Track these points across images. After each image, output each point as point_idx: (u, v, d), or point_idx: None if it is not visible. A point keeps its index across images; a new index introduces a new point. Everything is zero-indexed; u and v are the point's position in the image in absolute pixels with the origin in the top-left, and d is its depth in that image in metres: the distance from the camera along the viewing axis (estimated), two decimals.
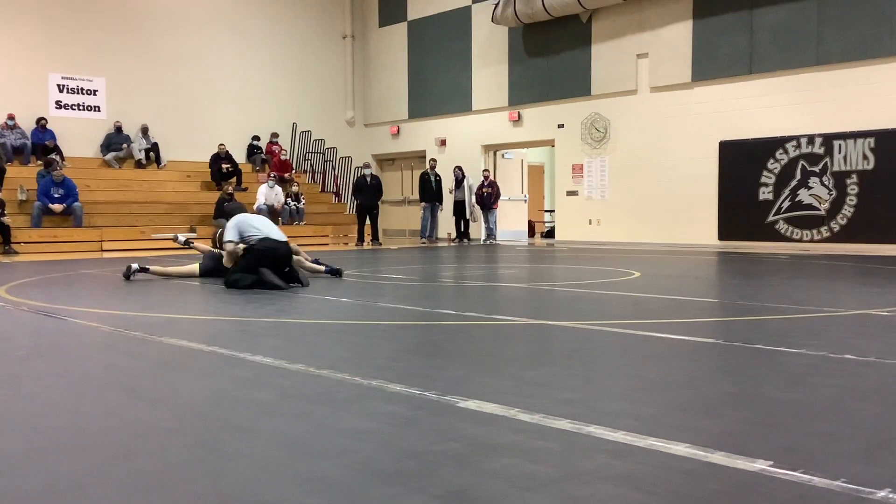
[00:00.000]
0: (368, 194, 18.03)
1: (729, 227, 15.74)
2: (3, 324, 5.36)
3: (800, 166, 14.81)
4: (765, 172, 15.22)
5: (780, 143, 15.00)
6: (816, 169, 14.61)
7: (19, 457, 2.39)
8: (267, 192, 17.38)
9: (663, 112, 16.57)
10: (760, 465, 2.20)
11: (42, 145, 16.74)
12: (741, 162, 15.46)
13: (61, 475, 2.21)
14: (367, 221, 18.05)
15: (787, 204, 15.02)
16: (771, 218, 15.20)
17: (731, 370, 3.65)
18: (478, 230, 19.31)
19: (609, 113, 17.45)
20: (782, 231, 15.08)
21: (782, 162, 15.01)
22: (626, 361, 3.89)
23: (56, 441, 2.56)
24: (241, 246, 7.85)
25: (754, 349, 4.08)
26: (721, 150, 15.76)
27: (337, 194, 21.20)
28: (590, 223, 17.94)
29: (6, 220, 13.92)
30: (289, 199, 17.73)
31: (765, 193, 15.26)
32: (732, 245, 15.33)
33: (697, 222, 16.06)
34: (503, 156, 20.57)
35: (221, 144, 18.50)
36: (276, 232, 8.01)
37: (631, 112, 17.09)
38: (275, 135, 20.32)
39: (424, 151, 21.06)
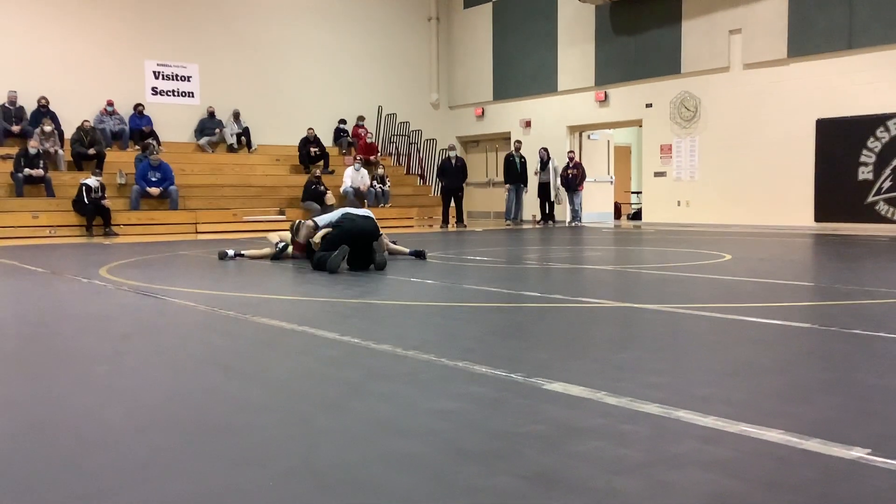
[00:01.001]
0: (453, 176, 18.07)
1: (826, 208, 15.18)
2: (105, 303, 5.60)
3: None
4: (864, 151, 14.60)
5: (880, 120, 14.36)
6: None
7: (122, 431, 2.50)
8: (353, 175, 17.61)
9: (757, 90, 16.06)
10: (857, 453, 2.13)
11: (139, 130, 17.36)
12: (839, 141, 14.87)
13: (161, 449, 2.31)
14: (452, 203, 18.10)
15: (888, 184, 14.38)
16: (871, 199, 14.59)
17: (827, 356, 3.54)
18: (563, 212, 19.15)
19: (700, 91, 17.01)
20: (883, 212, 14.46)
21: (883, 140, 14.37)
22: (717, 346, 3.81)
23: (156, 416, 2.67)
24: (320, 234, 7.96)
25: (852, 334, 3.94)
26: (818, 129, 15.18)
27: (422, 176, 21.33)
28: (678, 205, 17.57)
29: (106, 203, 14.50)
30: (374, 182, 17.93)
31: (864, 173, 14.65)
32: (829, 227, 14.79)
33: (792, 204, 15.53)
34: (589, 137, 20.31)
35: (310, 129, 18.82)
36: (361, 211, 8.14)
37: (723, 90, 16.62)
38: (361, 118, 20.55)
39: (509, 133, 20.97)
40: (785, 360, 3.51)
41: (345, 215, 7.85)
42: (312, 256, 7.91)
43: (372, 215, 8.01)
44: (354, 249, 7.50)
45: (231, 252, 8.86)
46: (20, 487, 2.01)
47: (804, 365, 3.41)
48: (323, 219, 8.18)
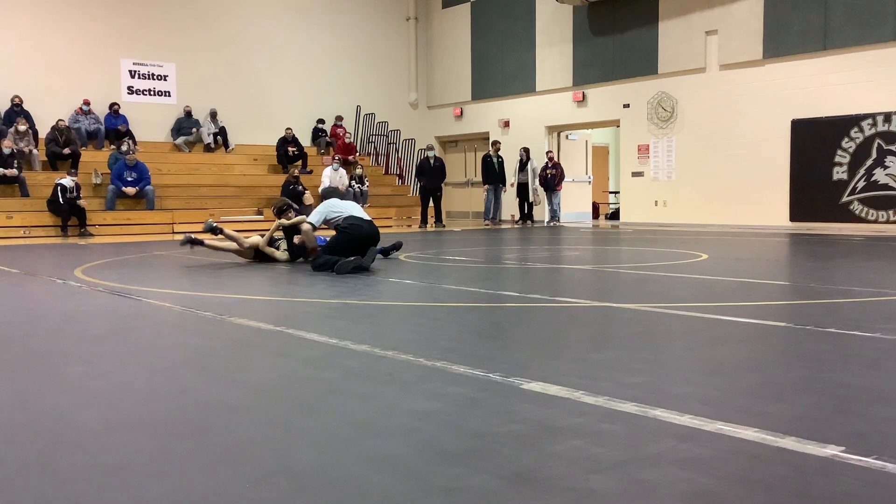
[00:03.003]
0: (432, 176, 18.05)
1: (801, 207, 15.32)
2: (80, 304, 5.54)
3: (876, 145, 14.31)
4: (839, 151, 14.75)
5: (855, 121, 14.52)
6: (893, 148, 14.10)
7: (97, 432, 2.48)
8: (331, 175, 17.54)
9: (733, 90, 16.18)
10: (832, 451, 2.15)
11: (115, 130, 17.19)
12: (814, 141, 15.01)
13: (137, 450, 2.29)
14: (431, 203, 18.09)
15: (862, 184, 14.55)
16: (845, 198, 14.75)
17: (802, 354, 3.57)
18: (541, 212, 19.20)
19: (676, 92, 17.12)
20: (857, 212, 14.62)
21: (857, 140, 14.53)
22: (693, 345, 3.84)
23: (132, 417, 2.65)
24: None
25: (826, 333, 3.98)
26: (793, 129, 15.32)
27: (400, 176, 21.30)
28: (655, 204, 17.67)
29: (82, 203, 14.36)
30: (353, 182, 17.88)
31: (839, 173, 14.81)
32: (804, 226, 14.93)
33: (768, 203, 15.67)
34: (567, 137, 20.38)
35: (288, 128, 18.74)
36: (359, 211, 8.10)
37: (699, 91, 16.73)
38: (339, 118, 20.49)
39: (488, 133, 20.99)
40: (760, 358, 3.54)
41: (350, 220, 7.83)
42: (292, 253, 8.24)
43: (369, 217, 8.05)
44: (355, 253, 7.59)
45: (194, 236, 8.73)
46: None
47: (779, 363, 3.44)
48: (317, 214, 8.04)
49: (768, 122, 15.60)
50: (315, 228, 8.05)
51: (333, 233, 7.97)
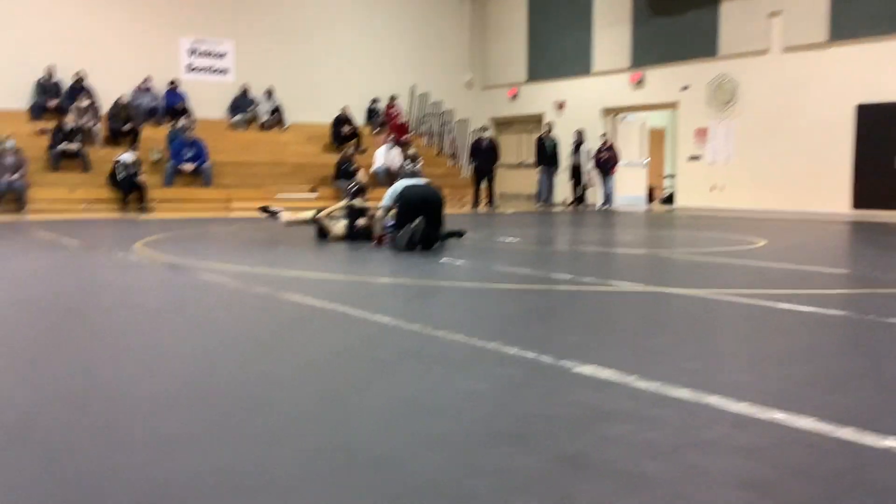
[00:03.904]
0: (485, 157, 17.98)
1: (865, 194, 14.90)
2: (140, 278, 5.67)
3: None
4: None
5: None
6: None
7: (158, 403, 2.54)
8: (385, 154, 17.61)
9: (796, 73, 15.77)
10: (891, 443, 2.10)
11: (174, 107, 17.47)
12: (880, 126, 14.56)
13: (195, 422, 2.34)
14: (484, 184, 18.03)
15: None
16: None
17: (861, 344, 3.49)
18: (594, 195, 19.03)
19: (737, 74, 16.74)
20: None
21: None
22: (749, 332, 3.78)
23: (190, 390, 2.71)
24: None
25: (888, 324, 3.88)
26: (858, 114, 14.89)
27: (454, 157, 21.27)
28: (712, 189, 17.35)
29: (141, 178, 14.65)
30: (406, 161, 17.91)
31: None
32: (868, 214, 14.53)
33: (830, 190, 15.27)
34: (623, 119, 20.11)
35: (344, 107, 18.82)
36: (417, 180, 8.14)
37: (761, 73, 16.35)
38: (393, 97, 20.51)
39: (542, 114, 20.82)
40: (818, 347, 3.47)
41: (405, 188, 7.66)
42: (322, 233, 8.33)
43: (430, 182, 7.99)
44: (426, 217, 7.24)
45: (274, 209, 9.32)
46: (55, 456, 2.05)
47: (838, 353, 3.37)
48: (385, 200, 7.94)
49: (832, 106, 15.17)
50: (387, 211, 7.91)
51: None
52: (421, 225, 7.11)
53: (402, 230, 7.23)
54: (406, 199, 7.43)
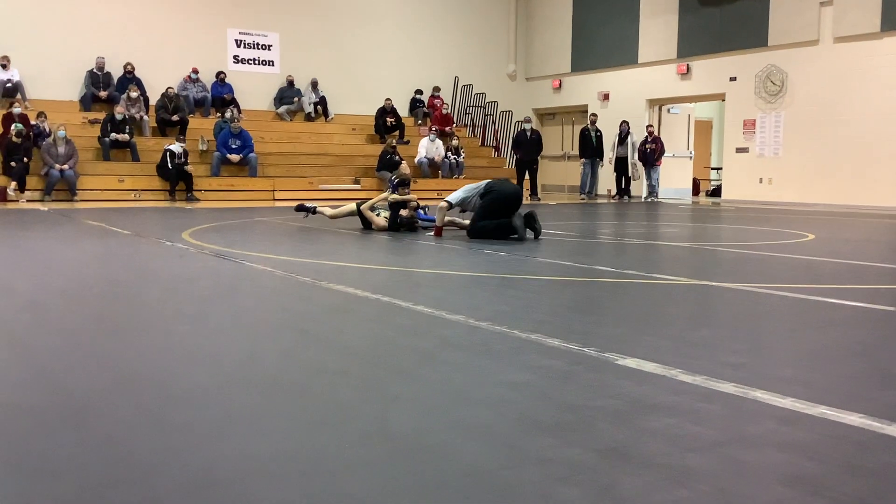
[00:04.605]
0: (528, 149, 17.93)
1: None
2: (187, 266, 5.77)
3: None
4: None
5: None
6: None
7: (204, 388, 2.59)
8: (428, 146, 17.64)
9: (847, 64, 15.44)
10: None
11: (221, 98, 17.69)
12: None
13: (241, 408, 2.38)
14: (527, 176, 17.98)
15: None
16: None
17: None
18: (639, 188, 18.85)
19: (786, 65, 16.45)
20: None
21: None
22: (796, 327, 3.73)
23: (236, 376, 2.76)
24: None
25: None
26: None
27: (497, 148, 21.22)
28: (760, 182, 17.09)
29: (189, 168, 14.87)
30: (449, 153, 17.92)
31: None
32: None
33: (881, 183, 14.94)
34: (669, 111, 19.87)
35: (388, 99, 18.88)
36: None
37: (811, 64, 16.03)
38: (437, 88, 20.52)
39: (586, 106, 20.66)
40: (867, 343, 3.41)
41: (490, 184, 8.05)
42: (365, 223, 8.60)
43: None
44: (506, 213, 7.76)
45: (310, 206, 9.35)
46: (106, 439, 2.10)
47: (887, 349, 3.31)
48: (456, 196, 8.14)
49: (884, 98, 14.82)
50: (451, 207, 8.10)
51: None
52: (530, 218, 7.73)
53: (490, 222, 7.73)
54: (500, 193, 7.89)
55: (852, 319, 3.91)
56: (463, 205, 8.11)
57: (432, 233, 8.11)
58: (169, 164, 14.63)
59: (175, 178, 14.72)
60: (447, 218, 8.74)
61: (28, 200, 13.57)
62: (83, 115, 16.15)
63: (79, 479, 1.83)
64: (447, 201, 8.06)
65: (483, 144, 21.04)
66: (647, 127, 18.46)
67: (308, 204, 9.53)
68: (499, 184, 8.05)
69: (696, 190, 20.80)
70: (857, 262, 6.34)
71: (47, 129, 14.35)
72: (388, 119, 18.75)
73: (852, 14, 15.27)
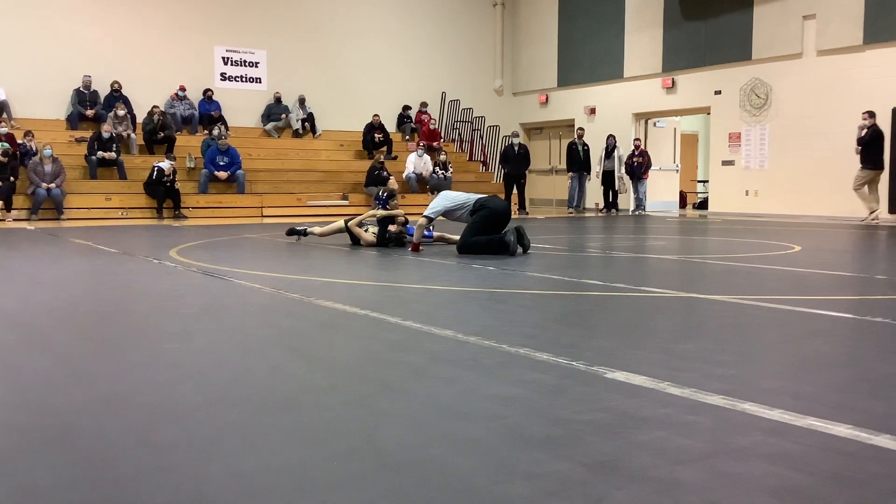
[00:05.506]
0: (516, 163, 18.00)
1: None
2: (175, 283, 5.75)
3: None
4: None
5: None
6: None
7: (193, 406, 2.58)
8: (416, 161, 17.68)
9: (831, 77, 15.59)
10: None
11: (208, 115, 17.69)
12: None
13: (230, 425, 2.37)
14: (515, 190, 18.04)
15: None
16: None
17: None
18: (627, 201, 18.93)
19: (771, 78, 16.59)
20: None
21: None
22: (784, 338, 3.74)
23: (225, 393, 2.74)
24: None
25: None
26: (894, 118, 14.67)
27: (484, 163, 21.29)
28: (746, 194, 17.19)
29: (177, 186, 14.84)
30: (437, 168, 17.96)
31: None
32: None
33: None
34: (655, 124, 20.00)
35: (376, 115, 18.92)
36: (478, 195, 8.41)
37: (795, 77, 16.18)
38: (424, 104, 20.59)
39: (573, 120, 20.77)
40: (854, 354, 3.42)
41: (482, 200, 8.02)
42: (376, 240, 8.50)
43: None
44: (496, 229, 7.85)
45: (300, 228, 9.36)
46: (93, 459, 2.09)
47: (874, 360, 3.32)
48: (433, 208, 8.07)
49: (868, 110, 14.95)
50: (430, 221, 8.08)
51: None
52: (519, 233, 7.71)
53: (482, 238, 7.74)
54: (492, 210, 7.91)
55: (839, 330, 3.93)
56: (448, 215, 8.08)
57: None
58: (158, 181, 14.57)
59: (163, 195, 14.68)
60: (436, 234, 8.79)
61: (14, 220, 13.51)
62: (70, 134, 16.12)
63: (65, 499, 1.82)
64: (426, 216, 8.04)
65: (471, 159, 21.11)
66: (634, 140, 18.57)
67: (298, 227, 9.46)
68: (489, 200, 8.05)
69: (682, 203, 20.91)
70: (843, 273, 6.38)
71: (34, 148, 14.31)
72: (375, 135, 18.79)
73: (835, 27, 15.43)
